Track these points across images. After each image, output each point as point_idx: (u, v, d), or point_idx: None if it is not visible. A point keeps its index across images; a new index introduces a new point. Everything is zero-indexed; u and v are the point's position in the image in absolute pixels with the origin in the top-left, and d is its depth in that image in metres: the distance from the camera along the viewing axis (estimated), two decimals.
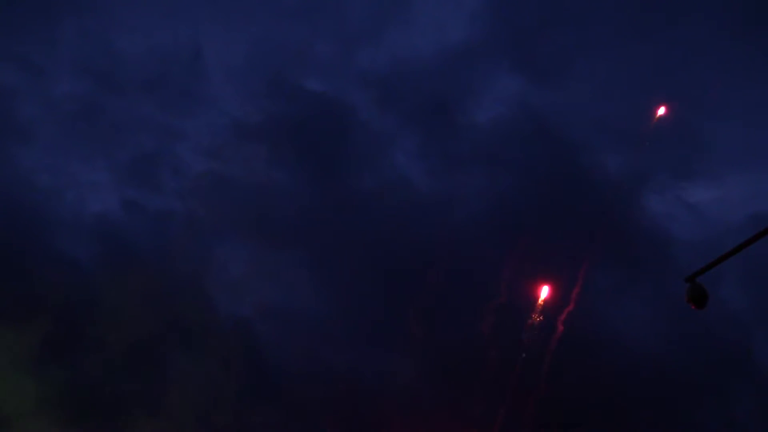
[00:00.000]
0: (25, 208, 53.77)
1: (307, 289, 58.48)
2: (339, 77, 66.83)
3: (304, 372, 53.03)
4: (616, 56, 64.83)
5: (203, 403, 51.17)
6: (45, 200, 55.81)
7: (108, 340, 51.30)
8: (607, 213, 56.37)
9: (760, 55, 57.35)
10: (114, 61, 60.25)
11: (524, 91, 66.71)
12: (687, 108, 60.31)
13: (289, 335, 55.81)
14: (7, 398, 46.68)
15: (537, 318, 50.52)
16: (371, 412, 51.51)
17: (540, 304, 50.61)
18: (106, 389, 49.78)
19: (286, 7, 65.60)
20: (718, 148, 61.05)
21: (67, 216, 56.52)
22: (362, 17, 66.81)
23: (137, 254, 56.06)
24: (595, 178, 60.48)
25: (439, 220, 59.11)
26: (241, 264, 58.71)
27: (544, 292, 50.04)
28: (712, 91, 59.14)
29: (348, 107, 63.51)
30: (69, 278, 52.39)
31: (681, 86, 60.57)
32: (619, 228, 57.39)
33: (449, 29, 73.88)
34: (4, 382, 47.11)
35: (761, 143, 59.87)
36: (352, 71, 66.19)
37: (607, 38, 65.21)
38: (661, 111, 51.08)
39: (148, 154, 60.74)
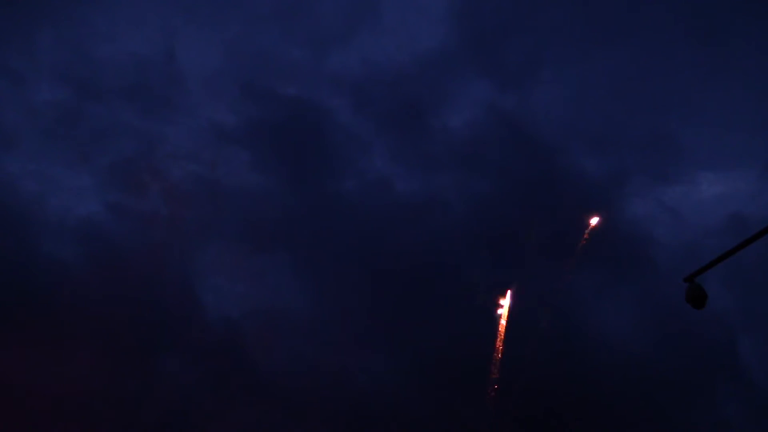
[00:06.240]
0: (10, 212, 53.92)
1: (293, 291, 59.40)
2: (312, 82, 68.35)
3: (292, 372, 53.70)
4: (586, 62, 66.71)
5: (192, 404, 51.78)
6: (30, 205, 56.19)
7: (95, 342, 52.39)
8: (587, 215, 56.01)
9: (730, 60, 58.14)
10: (92, 68, 61.19)
11: (495, 96, 68.33)
12: (659, 113, 62.80)
13: (277, 337, 56.64)
14: None
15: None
16: (359, 412, 52.18)
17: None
18: (94, 390, 49.89)
19: (258, 13, 67.20)
20: (693, 152, 62.93)
21: (53, 220, 56.98)
22: (333, 23, 68.64)
23: (123, 256, 56.96)
24: (573, 181, 61.13)
25: (419, 222, 60.61)
26: (226, 266, 60.25)
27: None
28: (684, 96, 61.32)
29: (322, 111, 64.95)
30: (56, 280, 53.04)
31: (652, 91, 62.31)
32: (600, 230, 56.38)
33: (419, 35, 75.63)
34: None
35: (734, 145, 60.09)
36: (324, 76, 67.68)
37: (578, 44, 66.57)
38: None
39: (129, 158, 61.47)
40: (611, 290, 58.46)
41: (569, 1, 64.36)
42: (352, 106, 66.79)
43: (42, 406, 47.81)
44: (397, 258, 58.12)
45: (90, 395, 49.16)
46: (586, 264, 58.68)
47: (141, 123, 62.32)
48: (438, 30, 71.91)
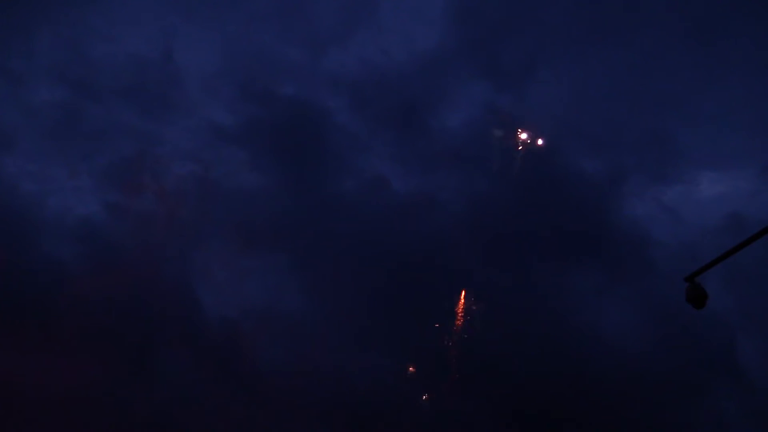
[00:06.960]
0: (9, 213, 54.18)
1: (291, 290, 59.62)
2: (310, 81, 68.19)
3: (290, 372, 53.68)
4: (584, 61, 65.41)
5: (190, 403, 51.60)
6: (29, 205, 56.43)
7: (93, 340, 52.48)
8: (586, 215, 57.83)
9: (729, 60, 57.81)
10: (91, 68, 61.20)
11: (493, 95, 67.27)
12: (658, 112, 62.66)
13: (276, 336, 56.67)
14: None
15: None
16: (358, 412, 52.19)
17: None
18: (92, 388, 49.96)
19: (256, 13, 67.13)
20: (692, 152, 61.06)
21: (52, 220, 57.36)
22: (331, 23, 68.51)
23: (121, 255, 57.18)
24: (572, 182, 60.62)
25: (418, 221, 60.63)
26: (224, 265, 60.46)
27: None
28: (683, 96, 60.43)
29: (320, 111, 64.91)
30: (54, 279, 53.28)
31: (651, 91, 62.08)
32: (598, 230, 58.59)
33: (417, 35, 75.15)
34: None
35: (734, 145, 59.67)
36: (322, 76, 67.51)
37: (576, 44, 65.36)
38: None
39: (127, 158, 61.61)
40: (610, 290, 58.51)
41: (567, 1, 64.29)
42: (349, 106, 66.76)
43: (39, 405, 47.79)
44: (395, 257, 58.27)
45: (87, 394, 49.15)
46: (584, 264, 59.16)
47: (139, 123, 62.56)
48: (435, 30, 71.80)
